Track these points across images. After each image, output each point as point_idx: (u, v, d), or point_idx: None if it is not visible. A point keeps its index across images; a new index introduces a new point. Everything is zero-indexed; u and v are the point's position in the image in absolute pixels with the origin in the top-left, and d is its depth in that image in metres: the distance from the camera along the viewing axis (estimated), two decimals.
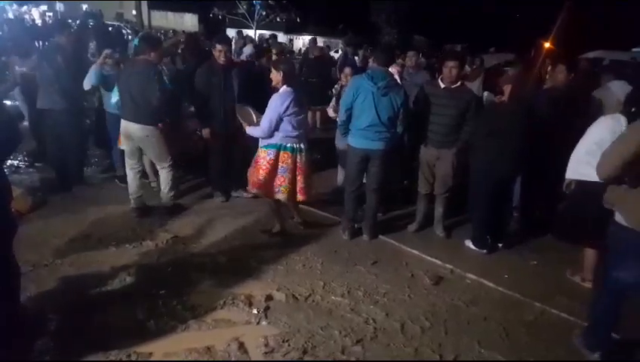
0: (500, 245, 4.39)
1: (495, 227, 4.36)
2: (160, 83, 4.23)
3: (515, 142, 3.97)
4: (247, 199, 5.10)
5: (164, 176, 4.58)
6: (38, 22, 16.86)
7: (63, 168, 5.12)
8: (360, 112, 4.09)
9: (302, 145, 4.13)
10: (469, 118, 4.22)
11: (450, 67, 4.18)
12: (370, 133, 4.11)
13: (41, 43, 8.95)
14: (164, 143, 4.46)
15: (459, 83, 4.28)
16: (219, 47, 4.73)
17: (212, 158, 5.08)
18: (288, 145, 4.06)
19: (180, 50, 6.84)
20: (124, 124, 4.38)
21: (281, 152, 4.07)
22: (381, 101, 4.03)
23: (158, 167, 4.62)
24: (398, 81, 4.62)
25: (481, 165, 4.16)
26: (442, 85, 4.27)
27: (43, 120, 5.06)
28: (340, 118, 4.27)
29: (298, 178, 4.15)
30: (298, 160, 4.12)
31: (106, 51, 4.93)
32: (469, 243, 4.39)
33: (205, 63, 4.89)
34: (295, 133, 4.05)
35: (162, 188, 4.63)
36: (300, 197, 4.21)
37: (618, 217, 2.72)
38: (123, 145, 4.59)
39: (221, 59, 4.71)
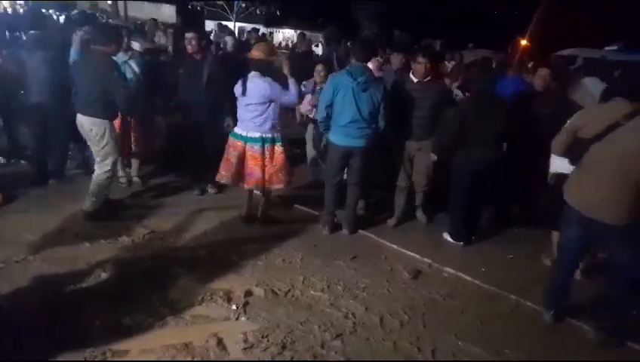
0: (473, 238, 4.47)
1: (471, 220, 4.45)
2: (119, 77, 4.05)
3: (484, 133, 4.08)
4: (227, 193, 5.06)
5: (95, 176, 4.18)
6: (9, 10, 16.28)
7: (43, 162, 4.98)
8: (341, 109, 4.09)
9: (247, 134, 4.12)
10: (445, 110, 4.38)
11: (421, 63, 4.36)
12: (351, 130, 4.12)
13: (17, 34, 8.56)
14: (112, 144, 4.16)
15: (429, 77, 4.43)
16: (188, 35, 4.64)
17: (185, 151, 5.04)
18: (238, 132, 4.17)
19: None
20: (77, 116, 4.17)
21: (231, 138, 4.23)
22: (361, 96, 4.04)
23: (95, 165, 4.25)
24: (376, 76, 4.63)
25: (456, 158, 4.29)
26: (415, 79, 4.42)
27: (29, 114, 4.90)
28: (320, 115, 4.26)
29: (247, 168, 4.18)
30: (248, 149, 4.14)
31: (80, 32, 4.68)
32: (447, 236, 4.46)
33: (178, 54, 4.85)
34: (244, 119, 4.12)
35: (90, 188, 4.20)
36: (268, 185, 4.22)
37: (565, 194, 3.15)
38: None
39: (189, 48, 4.64)
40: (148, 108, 5.03)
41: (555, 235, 3.90)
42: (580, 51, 13.42)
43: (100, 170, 4.18)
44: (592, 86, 4.29)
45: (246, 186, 4.29)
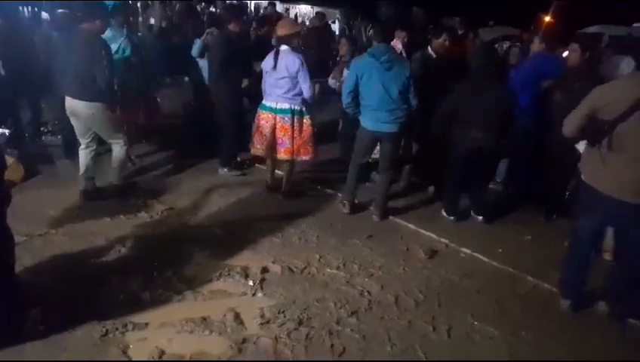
0: (480, 218, 4.44)
1: (472, 199, 4.50)
2: (107, 57, 3.78)
3: (477, 115, 4.01)
4: (243, 171, 5.09)
5: (116, 152, 4.19)
6: None
7: (72, 138, 5.04)
8: (368, 92, 3.99)
9: (277, 105, 4.26)
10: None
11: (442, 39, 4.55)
12: (381, 114, 4.00)
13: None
14: (115, 119, 4.08)
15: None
16: (241, 16, 4.99)
17: (225, 132, 4.97)
18: (267, 104, 4.33)
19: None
20: (68, 101, 3.92)
21: (260, 111, 4.40)
22: (387, 76, 3.93)
23: (110, 144, 4.21)
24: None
25: (451, 138, 4.27)
26: (434, 55, 4.56)
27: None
28: (344, 100, 4.16)
29: (278, 139, 4.33)
30: (279, 120, 4.28)
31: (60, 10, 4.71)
32: (443, 212, 4.49)
33: (222, 33, 4.93)
34: (274, 92, 4.26)
35: (113, 165, 4.24)
36: (296, 156, 4.36)
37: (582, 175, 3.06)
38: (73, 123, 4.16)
39: (238, 27, 4.82)
40: (149, 86, 5.08)
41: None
42: (606, 28, 13.00)
43: (117, 146, 4.17)
44: (625, 65, 4.12)
45: (279, 156, 4.42)
